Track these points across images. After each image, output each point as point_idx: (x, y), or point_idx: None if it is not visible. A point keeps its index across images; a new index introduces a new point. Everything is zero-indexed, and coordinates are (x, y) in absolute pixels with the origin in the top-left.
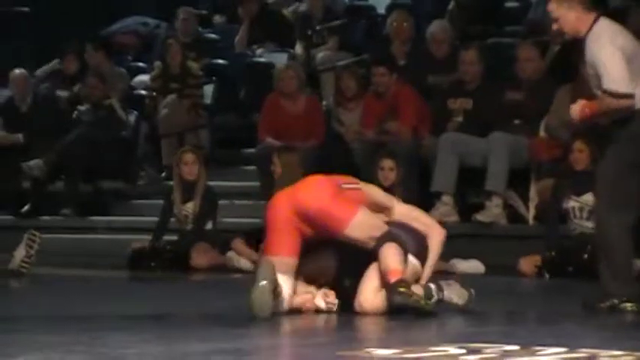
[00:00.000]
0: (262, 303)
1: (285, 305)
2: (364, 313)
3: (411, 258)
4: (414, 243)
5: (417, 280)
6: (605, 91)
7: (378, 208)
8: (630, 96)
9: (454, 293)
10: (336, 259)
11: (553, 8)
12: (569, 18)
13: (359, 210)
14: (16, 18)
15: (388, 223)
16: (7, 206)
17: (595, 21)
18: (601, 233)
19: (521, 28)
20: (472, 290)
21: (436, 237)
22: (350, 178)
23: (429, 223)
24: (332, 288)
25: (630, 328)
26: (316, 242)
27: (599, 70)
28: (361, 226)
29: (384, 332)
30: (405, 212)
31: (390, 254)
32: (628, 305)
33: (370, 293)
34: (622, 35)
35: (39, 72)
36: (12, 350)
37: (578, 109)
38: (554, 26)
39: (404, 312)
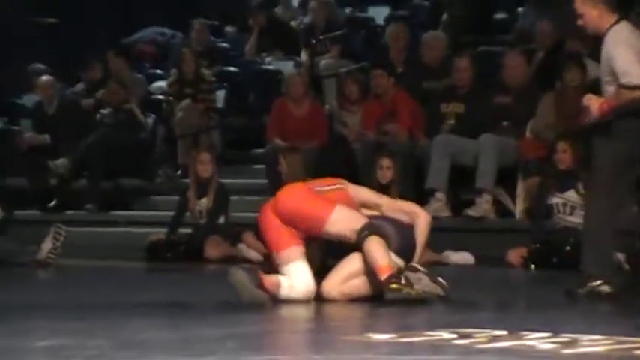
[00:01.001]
0: (253, 297)
1: (307, 289)
2: (325, 298)
3: (394, 257)
4: (398, 238)
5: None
6: (621, 85)
7: (367, 206)
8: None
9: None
10: (323, 244)
11: (578, 5)
12: (592, 15)
13: (335, 207)
14: (44, 28)
15: (373, 217)
16: (35, 202)
17: (616, 22)
18: (589, 219)
19: (510, 38)
20: (442, 280)
21: (422, 222)
22: (333, 180)
23: (414, 210)
24: (320, 269)
25: (611, 314)
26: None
27: (615, 67)
28: (340, 221)
29: (382, 319)
30: (391, 205)
31: (375, 248)
32: (606, 287)
33: (334, 282)
34: (636, 39)
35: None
36: (39, 334)
37: (596, 106)
38: (579, 22)
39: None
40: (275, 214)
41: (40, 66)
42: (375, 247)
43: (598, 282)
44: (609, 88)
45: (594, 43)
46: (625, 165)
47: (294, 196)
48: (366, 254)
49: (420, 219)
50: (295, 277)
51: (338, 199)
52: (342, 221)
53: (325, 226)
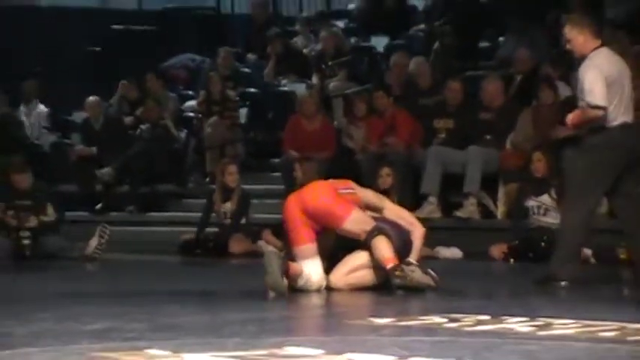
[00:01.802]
0: (276, 285)
1: (320, 282)
2: (331, 288)
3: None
4: (398, 240)
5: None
6: (587, 103)
7: (371, 208)
8: (603, 108)
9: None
10: (334, 239)
11: (568, 30)
12: (578, 40)
13: (353, 209)
14: (90, 55)
15: (378, 219)
16: (83, 205)
17: (597, 48)
18: (562, 228)
19: (492, 63)
20: (432, 273)
21: (418, 233)
22: (347, 184)
23: (412, 222)
24: (330, 260)
25: (581, 302)
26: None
27: (583, 86)
28: (355, 221)
29: (382, 305)
30: (394, 211)
31: (382, 245)
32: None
33: (340, 274)
34: (612, 64)
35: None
36: (86, 319)
37: (570, 117)
38: (567, 45)
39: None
40: (299, 207)
41: (88, 87)
42: (382, 244)
43: (563, 283)
44: (581, 104)
45: (564, 68)
46: (592, 177)
47: (322, 194)
48: (373, 249)
49: (417, 231)
50: (310, 272)
51: (354, 201)
52: (357, 222)
53: (343, 224)
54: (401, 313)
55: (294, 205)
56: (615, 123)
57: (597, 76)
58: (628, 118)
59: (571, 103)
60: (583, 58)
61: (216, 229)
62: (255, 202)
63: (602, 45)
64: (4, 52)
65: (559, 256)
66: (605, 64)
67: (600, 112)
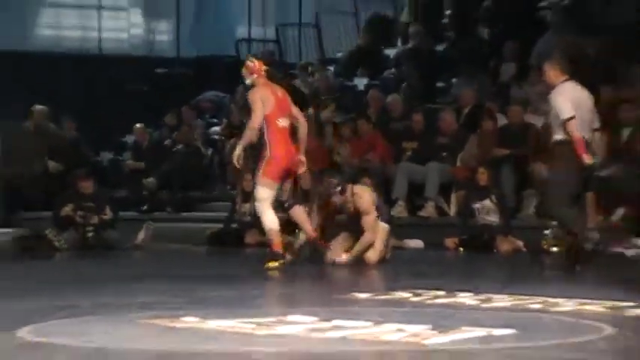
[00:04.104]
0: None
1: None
2: (332, 264)
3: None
4: None
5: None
6: (564, 121)
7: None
8: (573, 117)
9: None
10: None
11: (546, 66)
12: (550, 74)
13: None
14: (140, 92)
15: None
16: (133, 206)
17: (564, 81)
18: (557, 214)
19: (447, 99)
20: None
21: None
22: None
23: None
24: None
25: (517, 280)
26: None
27: (556, 108)
28: None
29: (360, 283)
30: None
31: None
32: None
33: (338, 251)
34: (574, 92)
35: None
36: (136, 294)
37: (576, 143)
38: (543, 77)
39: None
40: None
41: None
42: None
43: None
44: (554, 123)
45: (502, 103)
46: (566, 180)
47: None
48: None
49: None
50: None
51: None
52: None
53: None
54: (376, 290)
55: None
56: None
57: (564, 99)
58: (586, 135)
59: (506, 130)
60: (554, 87)
61: (235, 225)
62: None
63: (567, 79)
64: (76, 89)
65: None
66: (569, 91)
67: (573, 121)
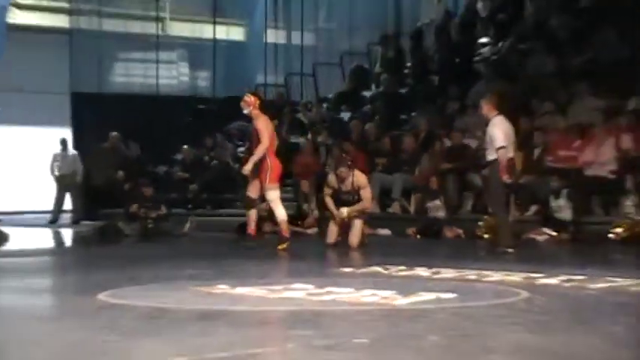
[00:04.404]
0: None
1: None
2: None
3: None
4: None
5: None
6: (498, 148)
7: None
8: (504, 146)
9: None
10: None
11: (483, 102)
12: (485, 109)
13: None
14: (186, 122)
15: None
16: (181, 205)
17: (495, 115)
18: (495, 210)
19: (408, 127)
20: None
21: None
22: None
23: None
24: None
25: (459, 258)
26: None
27: (492, 137)
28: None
29: (347, 259)
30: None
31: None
32: (509, 250)
33: (355, 237)
34: (504, 124)
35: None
36: (183, 268)
37: (503, 166)
38: (480, 111)
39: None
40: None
41: (184, 140)
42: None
43: (505, 250)
44: (489, 146)
45: (448, 130)
46: (500, 185)
47: None
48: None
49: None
50: None
51: None
52: None
53: None
54: (357, 265)
55: None
56: (509, 156)
57: (498, 130)
58: (511, 154)
59: (450, 150)
60: (489, 120)
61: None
62: None
63: (498, 114)
64: (140, 120)
65: (503, 234)
66: (501, 124)
67: (503, 149)
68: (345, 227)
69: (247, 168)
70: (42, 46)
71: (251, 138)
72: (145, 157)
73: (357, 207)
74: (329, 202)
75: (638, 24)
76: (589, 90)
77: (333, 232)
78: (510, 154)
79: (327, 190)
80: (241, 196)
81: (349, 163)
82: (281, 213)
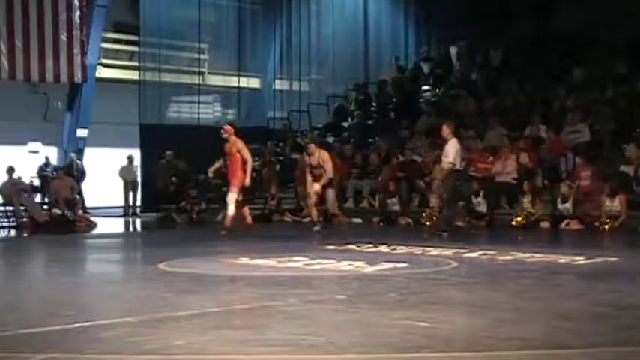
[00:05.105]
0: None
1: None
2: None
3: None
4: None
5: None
6: (450, 163)
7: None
8: (453, 163)
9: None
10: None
11: (443, 127)
12: (445, 132)
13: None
14: (212, 147)
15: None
16: (216, 202)
17: (452, 138)
18: (450, 207)
19: (373, 148)
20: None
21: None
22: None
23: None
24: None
25: (414, 237)
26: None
27: (446, 154)
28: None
29: (331, 237)
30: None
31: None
32: (444, 233)
33: (331, 204)
34: (457, 145)
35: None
36: (216, 246)
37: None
38: (441, 132)
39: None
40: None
41: (210, 159)
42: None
43: (448, 231)
44: (444, 159)
45: (403, 149)
46: (450, 187)
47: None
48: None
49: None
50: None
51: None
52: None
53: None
54: (336, 243)
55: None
56: (455, 168)
57: (453, 149)
58: (458, 166)
59: (403, 164)
60: (447, 140)
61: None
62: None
63: (453, 137)
64: (187, 142)
65: (442, 221)
66: (455, 145)
67: (451, 165)
68: (320, 199)
69: (247, 182)
70: (120, 92)
71: (225, 156)
72: (190, 168)
73: (323, 180)
74: (308, 179)
75: (531, 78)
76: (498, 122)
77: (314, 214)
78: (457, 165)
79: (307, 169)
80: (259, 194)
81: (317, 143)
82: (231, 210)
